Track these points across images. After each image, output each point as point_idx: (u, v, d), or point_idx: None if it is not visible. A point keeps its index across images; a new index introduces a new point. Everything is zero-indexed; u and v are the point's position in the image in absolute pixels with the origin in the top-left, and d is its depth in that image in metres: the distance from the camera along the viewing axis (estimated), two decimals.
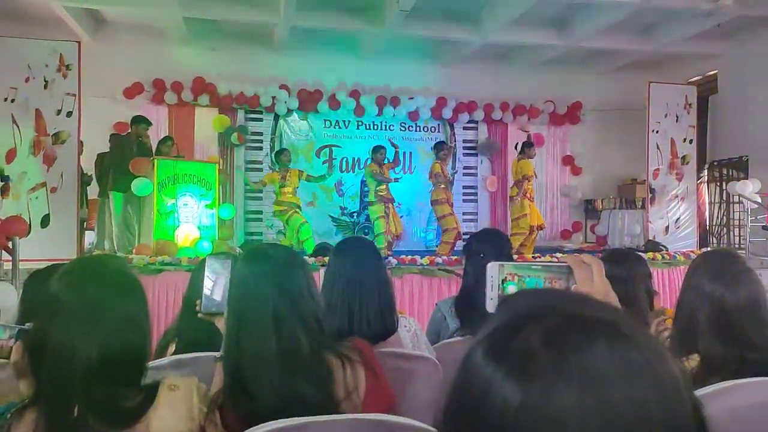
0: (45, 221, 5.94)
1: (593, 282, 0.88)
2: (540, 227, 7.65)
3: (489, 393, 0.47)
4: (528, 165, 7.43)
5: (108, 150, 6.89)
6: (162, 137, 7.60)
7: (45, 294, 1.17)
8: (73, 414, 1.10)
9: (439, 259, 5.90)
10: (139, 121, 6.77)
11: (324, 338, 1.34)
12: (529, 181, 7.42)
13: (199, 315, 1.58)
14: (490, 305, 0.92)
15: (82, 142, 6.32)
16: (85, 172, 6.76)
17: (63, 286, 1.17)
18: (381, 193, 7.33)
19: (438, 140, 8.48)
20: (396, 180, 7.74)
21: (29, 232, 5.73)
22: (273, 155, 7.60)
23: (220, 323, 1.56)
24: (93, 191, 7.14)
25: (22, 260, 5.25)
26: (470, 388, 0.49)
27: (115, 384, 1.14)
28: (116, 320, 1.17)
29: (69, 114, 6.09)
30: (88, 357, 1.11)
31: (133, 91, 8.38)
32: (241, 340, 1.30)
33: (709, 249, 2.45)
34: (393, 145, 7.75)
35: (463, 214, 9.30)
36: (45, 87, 6.04)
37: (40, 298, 1.19)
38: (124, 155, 6.41)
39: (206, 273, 1.58)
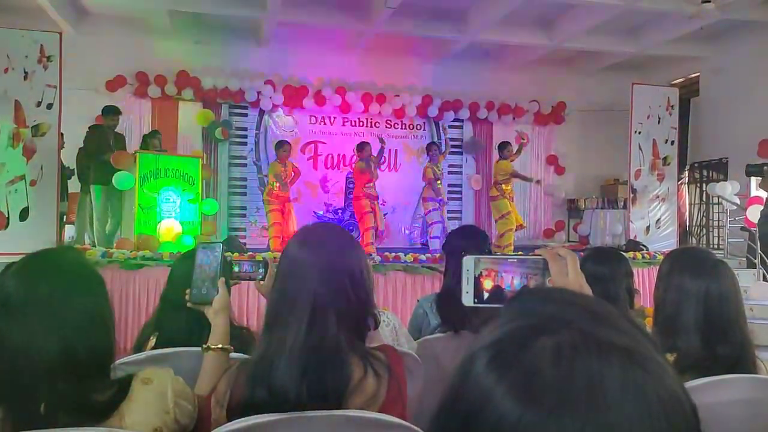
0: (24, 214, 5.84)
1: (568, 276, 0.88)
2: (519, 227, 7.77)
3: (486, 405, 0.44)
4: (505, 166, 7.59)
5: (84, 142, 6.79)
6: (150, 131, 7.54)
7: None
8: (39, 411, 1.07)
9: (422, 257, 5.92)
10: (107, 111, 6.65)
11: (356, 338, 1.28)
12: (507, 183, 7.54)
13: (189, 304, 1.56)
14: (466, 299, 0.92)
15: (62, 134, 6.23)
16: (65, 165, 6.66)
17: (16, 282, 1.13)
18: (367, 190, 7.36)
19: (428, 141, 8.80)
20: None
21: (7, 225, 5.65)
22: (274, 146, 7.60)
23: (209, 313, 1.55)
24: (74, 185, 7.04)
25: (0, 254, 5.17)
26: (467, 395, 0.46)
27: (81, 379, 1.11)
28: (74, 315, 1.13)
29: (49, 106, 5.99)
30: (48, 353, 1.08)
31: (115, 84, 8.27)
32: (278, 320, 1.25)
33: (676, 249, 2.48)
34: (381, 141, 7.78)
35: (448, 212, 9.32)
36: (25, 78, 5.93)
37: None
38: (101, 147, 6.32)
39: (196, 262, 1.56)
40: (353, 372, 1.24)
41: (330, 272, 1.27)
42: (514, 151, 8.01)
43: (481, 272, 0.92)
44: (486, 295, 0.92)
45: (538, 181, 8.85)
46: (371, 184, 7.40)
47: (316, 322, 1.23)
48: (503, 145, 7.80)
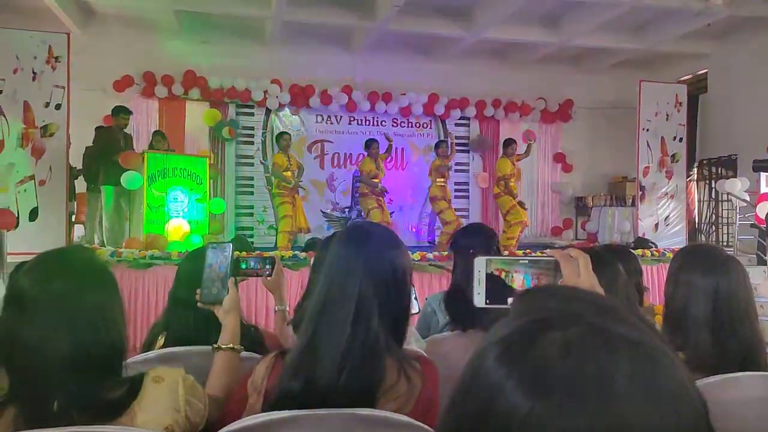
0: (33, 214, 5.88)
1: (580, 276, 0.88)
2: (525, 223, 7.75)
3: (496, 399, 0.44)
4: (505, 164, 7.53)
5: (93, 143, 6.83)
6: (154, 131, 7.58)
7: (12, 288, 1.14)
8: (52, 408, 1.08)
9: (430, 255, 5.92)
10: (118, 111, 6.67)
11: (393, 342, 1.27)
12: (509, 180, 7.51)
13: (199, 305, 1.56)
14: (478, 299, 0.92)
15: (69, 134, 6.26)
16: (72, 165, 6.69)
17: (29, 281, 1.14)
18: (373, 186, 7.40)
19: (438, 139, 8.78)
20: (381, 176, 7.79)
21: (17, 226, 5.68)
22: (274, 138, 7.65)
23: (220, 312, 1.55)
24: (80, 184, 7.07)
25: (10, 253, 5.21)
26: (477, 390, 0.47)
27: (93, 377, 1.12)
28: (86, 313, 1.14)
29: (58, 106, 6.03)
30: (60, 351, 1.09)
31: (123, 84, 8.30)
32: (323, 315, 1.25)
33: (686, 246, 2.47)
34: (387, 138, 7.80)
35: (455, 210, 9.32)
36: (33, 79, 5.97)
37: (8, 292, 1.16)
38: (111, 148, 6.35)
39: (206, 262, 1.56)
40: (388, 374, 1.24)
41: (375, 267, 1.26)
42: (523, 152, 7.99)
43: (492, 273, 0.92)
44: (497, 295, 0.91)
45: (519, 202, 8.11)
46: (377, 180, 7.42)
47: (359, 320, 1.23)
48: (507, 143, 7.78)
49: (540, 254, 1.00)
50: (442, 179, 7.61)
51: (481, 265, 0.92)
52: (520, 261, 0.94)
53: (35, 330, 1.10)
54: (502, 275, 0.92)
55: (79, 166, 6.97)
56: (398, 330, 1.30)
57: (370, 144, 7.49)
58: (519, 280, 0.92)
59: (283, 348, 1.38)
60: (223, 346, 1.49)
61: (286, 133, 7.54)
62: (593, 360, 0.43)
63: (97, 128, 7.01)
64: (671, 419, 0.42)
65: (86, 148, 6.90)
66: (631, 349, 0.44)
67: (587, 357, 0.43)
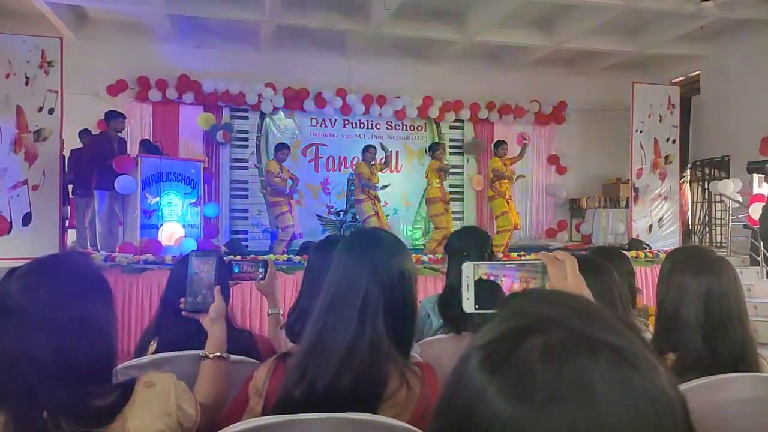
0: (26, 219, 5.85)
1: (567, 279, 0.88)
2: (515, 227, 7.69)
3: (479, 404, 0.45)
4: (495, 162, 7.52)
5: (82, 146, 6.80)
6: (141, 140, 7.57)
7: (0, 294, 1.14)
8: (42, 416, 1.07)
9: (424, 258, 5.92)
10: (112, 116, 6.65)
11: (396, 349, 1.27)
12: (501, 180, 7.47)
13: (183, 313, 1.56)
14: (467, 305, 0.92)
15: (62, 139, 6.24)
16: (66, 171, 6.67)
17: (17, 286, 1.13)
18: (368, 190, 7.36)
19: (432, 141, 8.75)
20: (381, 188, 7.56)
21: (10, 230, 5.66)
22: (275, 148, 7.61)
23: (206, 321, 1.54)
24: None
25: (2, 259, 5.18)
26: (461, 395, 0.48)
27: (81, 385, 1.11)
28: (70, 321, 1.12)
29: (51, 111, 6.01)
30: (47, 358, 1.08)
31: (116, 89, 8.29)
32: (329, 315, 1.24)
33: (677, 247, 2.47)
34: (383, 148, 7.75)
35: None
36: (26, 83, 5.94)
37: None
38: (105, 153, 6.33)
39: (190, 270, 1.56)
40: (390, 381, 1.24)
41: (382, 270, 1.26)
42: (517, 153, 7.98)
43: (480, 278, 0.92)
44: (486, 300, 0.91)
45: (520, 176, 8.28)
46: (371, 185, 7.39)
47: (365, 319, 1.23)
48: (498, 144, 7.75)
49: (534, 257, 1.00)
50: (440, 181, 7.56)
51: (469, 271, 0.92)
52: (508, 265, 0.94)
53: (19, 337, 1.09)
54: (491, 279, 0.93)
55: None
56: (402, 336, 1.29)
57: (367, 149, 7.46)
58: (507, 285, 0.92)
59: (276, 352, 1.38)
60: (210, 355, 1.49)
61: (287, 147, 7.47)
62: (573, 364, 0.44)
63: (82, 132, 6.99)
64: (651, 422, 0.43)
65: (71, 151, 6.87)
66: (610, 353, 0.45)
67: (567, 362, 0.44)
